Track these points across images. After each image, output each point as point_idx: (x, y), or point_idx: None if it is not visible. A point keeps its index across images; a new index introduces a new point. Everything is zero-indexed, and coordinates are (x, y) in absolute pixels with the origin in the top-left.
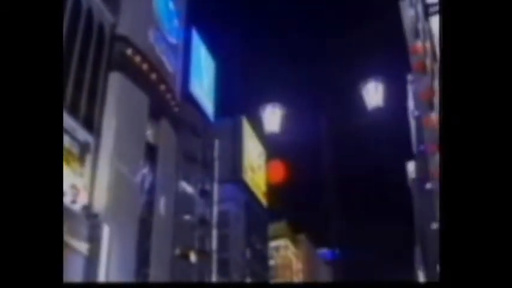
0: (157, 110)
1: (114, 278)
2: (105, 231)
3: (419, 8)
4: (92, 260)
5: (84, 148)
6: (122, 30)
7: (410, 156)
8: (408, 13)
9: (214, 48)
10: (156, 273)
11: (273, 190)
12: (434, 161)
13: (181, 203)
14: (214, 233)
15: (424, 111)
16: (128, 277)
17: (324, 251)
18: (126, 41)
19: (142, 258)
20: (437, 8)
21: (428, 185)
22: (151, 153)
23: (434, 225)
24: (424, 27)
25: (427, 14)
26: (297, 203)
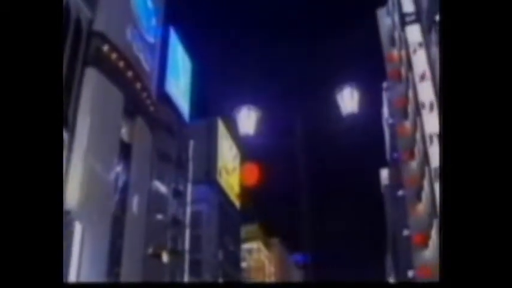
0: (133, 108)
1: (86, 277)
2: (77, 229)
3: (396, 17)
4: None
5: None
6: (99, 26)
7: (384, 163)
8: (385, 22)
9: (191, 49)
10: (128, 272)
11: (246, 192)
12: (407, 169)
13: (155, 202)
14: (187, 233)
15: (398, 119)
16: (99, 276)
17: (296, 255)
18: (103, 37)
19: (115, 257)
20: (413, 17)
21: (400, 192)
22: (125, 151)
23: (406, 232)
24: (400, 36)
25: (403, 23)
26: (271, 206)
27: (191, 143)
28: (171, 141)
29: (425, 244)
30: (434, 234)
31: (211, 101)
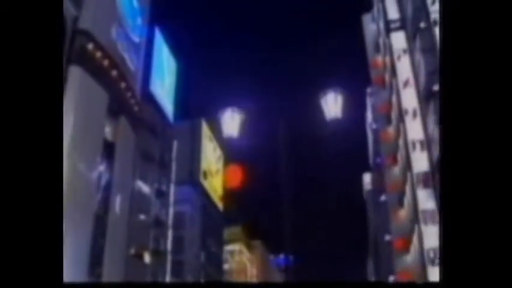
0: (117, 108)
1: (67, 277)
2: None
3: (381, 23)
4: None
5: None
6: (83, 24)
7: (366, 168)
8: (370, 28)
9: (176, 49)
10: (110, 272)
11: (229, 194)
12: (390, 174)
13: (137, 202)
14: (170, 234)
15: (381, 125)
16: (81, 276)
17: (278, 258)
18: (87, 35)
19: (96, 257)
20: (398, 24)
21: (382, 197)
22: (108, 150)
23: (387, 237)
24: (385, 43)
25: (388, 30)
26: (253, 209)
27: (175, 143)
28: (155, 142)
29: (406, 249)
30: (415, 239)
31: (196, 102)
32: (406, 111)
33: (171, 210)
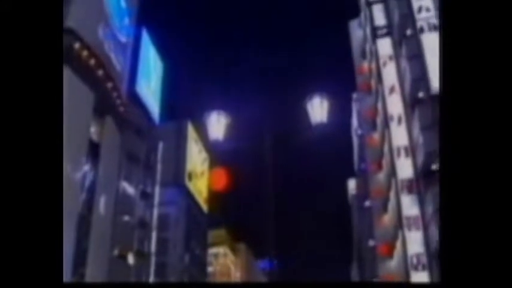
0: (102, 108)
1: None
2: None
3: (368, 29)
4: None
5: None
6: (70, 23)
7: (351, 173)
8: (357, 34)
9: (163, 50)
10: (93, 273)
11: (214, 197)
12: (374, 180)
13: (122, 203)
14: (154, 235)
15: (367, 130)
16: (64, 275)
17: (262, 261)
18: (74, 34)
19: (80, 257)
20: (384, 31)
21: (367, 203)
22: (93, 151)
23: (371, 242)
24: (371, 49)
25: (374, 36)
26: (238, 212)
27: (160, 144)
28: (140, 142)
29: (390, 254)
30: (399, 245)
31: (182, 104)
32: (391, 118)
33: (155, 212)
